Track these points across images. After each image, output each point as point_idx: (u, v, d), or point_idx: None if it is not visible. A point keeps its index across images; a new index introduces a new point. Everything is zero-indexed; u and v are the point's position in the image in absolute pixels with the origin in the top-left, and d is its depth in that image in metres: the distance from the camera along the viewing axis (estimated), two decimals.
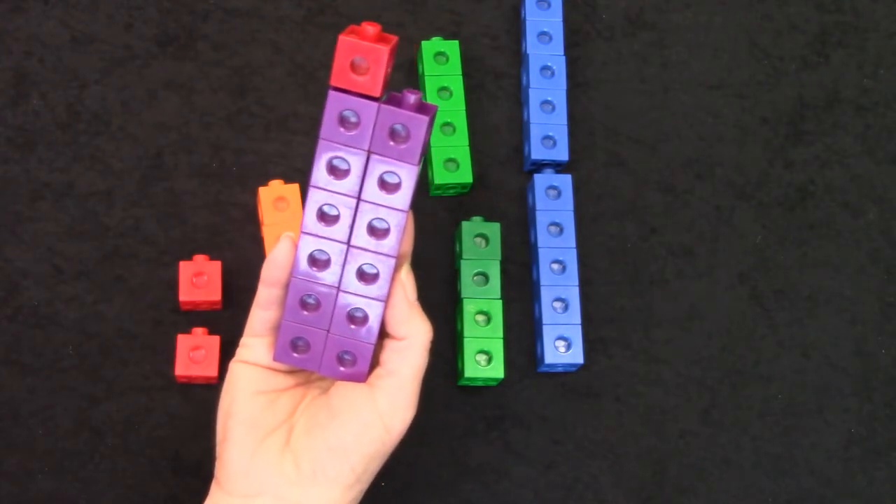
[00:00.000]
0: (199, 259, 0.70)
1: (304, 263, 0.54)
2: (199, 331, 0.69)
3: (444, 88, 0.75)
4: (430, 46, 0.76)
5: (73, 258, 0.71)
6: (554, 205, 0.73)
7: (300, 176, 0.72)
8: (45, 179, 0.72)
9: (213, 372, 0.68)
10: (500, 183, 0.76)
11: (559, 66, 0.76)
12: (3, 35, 0.75)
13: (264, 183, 0.71)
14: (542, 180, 0.74)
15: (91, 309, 0.70)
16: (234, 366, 0.57)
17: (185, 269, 0.70)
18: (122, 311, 0.71)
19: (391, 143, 0.52)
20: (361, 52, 0.50)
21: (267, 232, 0.70)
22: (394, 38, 0.52)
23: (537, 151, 0.74)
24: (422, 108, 0.52)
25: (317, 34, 0.77)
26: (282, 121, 0.75)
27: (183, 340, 0.68)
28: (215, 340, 0.69)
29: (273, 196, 0.70)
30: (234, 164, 0.74)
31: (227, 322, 0.70)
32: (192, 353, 0.68)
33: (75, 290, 0.71)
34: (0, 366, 0.69)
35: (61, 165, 0.73)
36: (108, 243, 0.72)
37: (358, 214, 0.53)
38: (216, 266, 0.70)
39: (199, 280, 0.70)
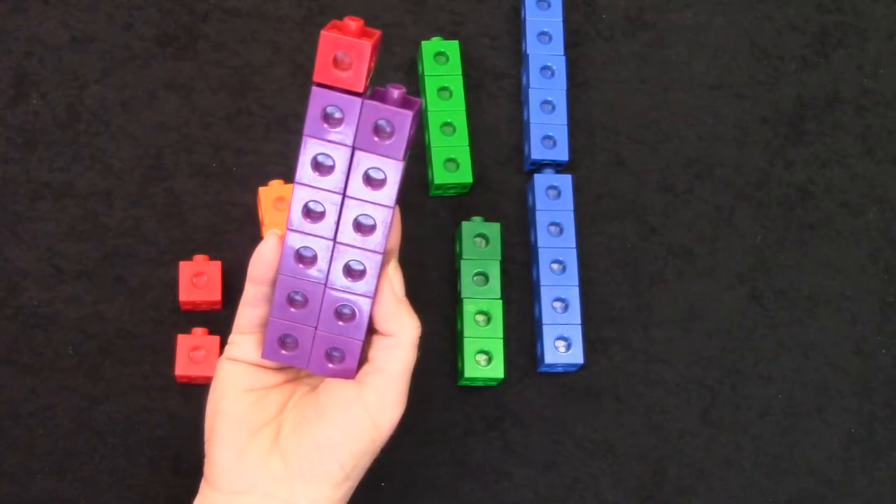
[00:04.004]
0: (199, 259, 0.70)
1: (290, 260, 0.54)
2: (199, 331, 0.69)
3: (444, 88, 0.75)
4: (430, 46, 0.76)
5: (73, 258, 0.71)
6: (554, 205, 0.73)
7: None
8: (45, 179, 0.72)
9: (213, 372, 0.68)
10: (500, 183, 0.76)
11: (559, 66, 0.76)
12: (3, 35, 0.75)
13: (264, 183, 0.71)
14: (542, 180, 0.74)
15: (91, 309, 0.70)
16: (222, 363, 0.57)
17: (185, 269, 0.70)
18: (122, 311, 0.71)
19: (376, 138, 0.52)
20: (344, 48, 0.50)
21: (267, 232, 0.70)
22: (376, 33, 0.51)
23: (537, 151, 0.74)
24: (406, 102, 0.52)
25: (317, 34, 0.77)
26: (282, 121, 0.75)
27: (183, 340, 0.68)
28: (215, 340, 0.69)
29: (273, 196, 0.70)
30: (234, 164, 0.74)
31: (227, 322, 0.70)
32: (192, 353, 0.68)
33: (75, 290, 0.71)
34: (0, 366, 0.69)
35: (61, 165, 0.73)
36: (108, 243, 0.72)
37: (343, 211, 0.53)
38: (216, 266, 0.70)
39: (199, 280, 0.70)
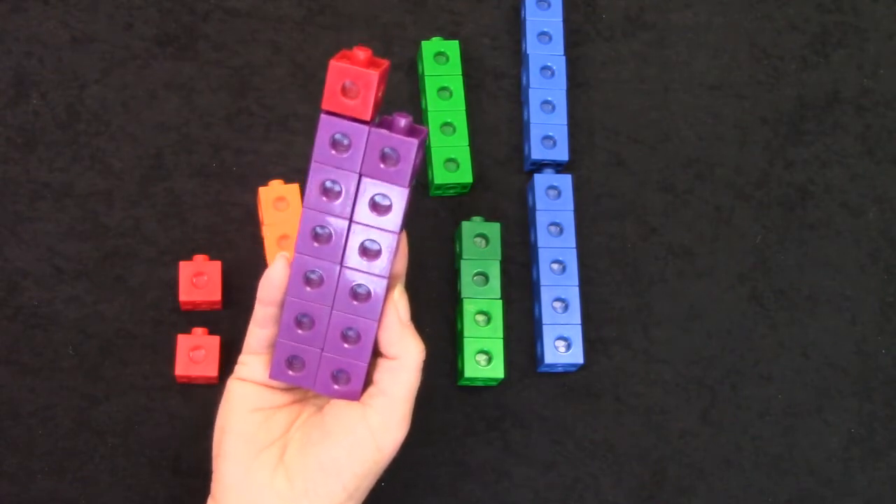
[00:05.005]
0: (199, 259, 0.70)
1: (298, 283, 0.55)
2: (199, 331, 0.69)
3: (444, 88, 0.75)
4: (430, 46, 0.76)
5: (73, 258, 0.71)
6: (554, 205, 0.73)
7: (300, 176, 0.72)
8: (45, 179, 0.72)
9: (213, 372, 0.68)
10: (500, 183, 0.76)
11: (559, 66, 0.76)
12: (3, 35, 0.75)
13: (264, 183, 0.71)
14: (542, 180, 0.74)
15: (91, 309, 0.70)
16: (231, 383, 0.58)
17: (185, 269, 0.70)
18: (122, 311, 0.71)
19: (382, 165, 0.53)
20: (352, 77, 0.51)
21: (267, 232, 0.70)
22: (384, 63, 0.52)
23: (537, 151, 0.74)
24: (412, 131, 0.53)
25: (317, 34, 0.77)
26: (282, 121, 0.75)
27: (183, 340, 0.68)
28: (215, 340, 0.69)
29: (273, 196, 0.70)
30: (234, 164, 0.74)
31: (227, 322, 0.71)
32: (192, 353, 0.68)
33: (75, 290, 0.71)
34: (0, 366, 0.69)
35: (61, 165, 0.73)
36: (108, 243, 0.72)
37: (350, 235, 0.54)
38: (216, 266, 0.70)
39: (199, 280, 0.70)
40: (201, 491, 0.57)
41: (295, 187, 0.71)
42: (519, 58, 0.79)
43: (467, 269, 0.72)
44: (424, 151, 0.56)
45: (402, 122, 0.52)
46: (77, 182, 0.73)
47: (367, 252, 0.54)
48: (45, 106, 0.74)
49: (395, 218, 0.54)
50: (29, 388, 0.69)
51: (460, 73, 0.75)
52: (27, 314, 0.70)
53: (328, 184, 0.54)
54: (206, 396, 0.68)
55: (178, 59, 0.76)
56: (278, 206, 0.70)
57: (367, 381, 0.56)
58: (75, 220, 0.72)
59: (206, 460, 0.58)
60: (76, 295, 0.71)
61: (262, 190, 0.71)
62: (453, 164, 0.74)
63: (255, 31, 0.77)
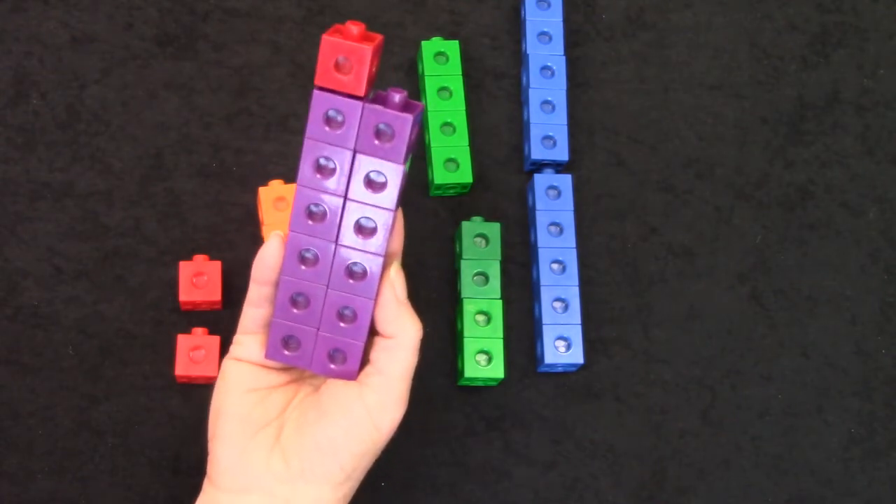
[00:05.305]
0: (199, 259, 0.70)
1: (292, 262, 0.55)
2: (199, 331, 0.69)
3: (444, 88, 0.75)
4: (430, 46, 0.76)
5: (73, 258, 0.71)
6: (554, 205, 0.73)
7: None
8: (45, 179, 0.72)
9: (213, 372, 0.68)
10: (500, 183, 0.76)
11: (559, 66, 0.76)
12: (3, 35, 0.75)
13: (264, 183, 0.71)
14: (542, 180, 0.74)
15: (91, 309, 0.70)
16: (226, 363, 0.57)
17: (185, 269, 0.70)
18: (122, 311, 0.71)
19: (377, 142, 0.52)
20: (345, 52, 0.50)
21: (267, 232, 0.70)
22: (378, 37, 0.51)
23: (537, 151, 0.74)
24: (407, 106, 0.52)
25: (317, 34, 0.77)
26: (282, 121, 0.75)
27: (183, 340, 0.68)
28: (215, 340, 0.69)
29: (273, 196, 0.70)
30: (234, 164, 0.74)
31: (227, 322, 0.70)
32: (192, 353, 0.68)
33: (75, 290, 0.71)
34: (0, 366, 0.69)
35: (61, 165, 0.73)
36: (108, 243, 0.72)
37: (345, 213, 0.54)
38: (216, 266, 0.70)
39: (199, 280, 0.70)
40: (201, 490, 0.57)
41: (295, 187, 0.71)
42: (519, 58, 0.79)
43: (467, 269, 0.72)
44: (420, 127, 0.55)
45: (397, 97, 0.52)
46: (77, 182, 0.73)
47: (362, 230, 0.54)
48: (45, 106, 0.74)
49: (390, 195, 0.53)
50: (29, 388, 0.69)
51: (460, 73, 0.75)
52: (27, 314, 0.70)
53: (322, 161, 0.53)
54: (206, 396, 0.67)
55: (178, 59, 0.76)
56: (278, 206, 0.70)
57: (364, 361, 0.56)
58: (75, 220, 0.72)
59: (206, 459, 0.57)
60: (76, 295, 0.71)
61: (262, 190, 0.71)
62: (453, 164, 0.74)
63: (255, 31, 0.77)
